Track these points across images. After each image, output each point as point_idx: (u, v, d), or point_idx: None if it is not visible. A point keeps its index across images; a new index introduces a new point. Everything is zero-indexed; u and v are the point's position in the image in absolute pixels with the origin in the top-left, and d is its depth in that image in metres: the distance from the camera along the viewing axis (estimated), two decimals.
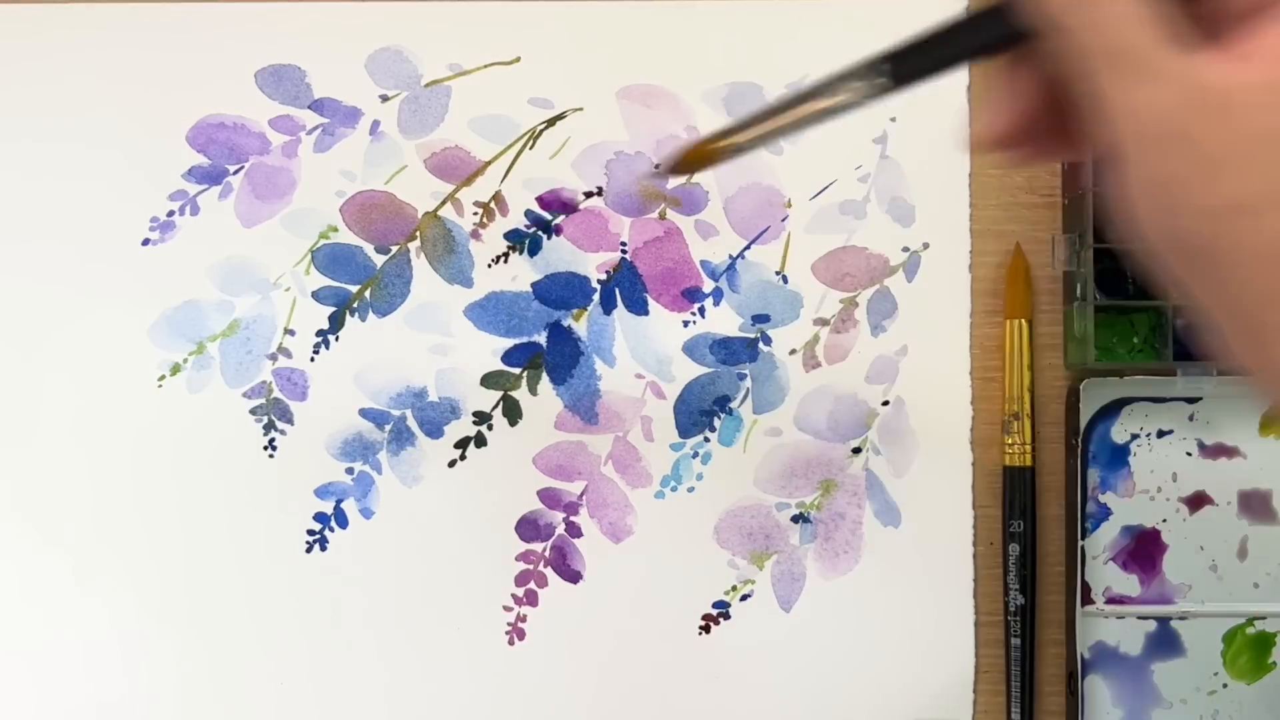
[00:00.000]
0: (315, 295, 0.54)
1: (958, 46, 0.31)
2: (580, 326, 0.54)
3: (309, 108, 0.54)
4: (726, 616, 0.53)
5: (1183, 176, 0.26)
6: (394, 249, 0.54)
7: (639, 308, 0.54)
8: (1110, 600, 0.53)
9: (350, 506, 0.53)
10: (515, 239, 0.54)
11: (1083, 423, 0.52)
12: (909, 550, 0.53)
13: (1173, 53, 0.26)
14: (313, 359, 0.54)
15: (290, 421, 0.53)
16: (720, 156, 0.36)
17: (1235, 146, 0.25)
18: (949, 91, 0.54)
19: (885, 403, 0.53)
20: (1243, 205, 0.25)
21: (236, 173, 0.54)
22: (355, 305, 0.54)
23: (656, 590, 0.53)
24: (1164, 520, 0.53)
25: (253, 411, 0.53)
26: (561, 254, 0.54)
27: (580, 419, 0.53)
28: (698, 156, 0.37)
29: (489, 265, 0.54)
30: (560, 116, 0.54)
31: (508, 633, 0.53)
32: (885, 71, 0.32)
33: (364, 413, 0.53)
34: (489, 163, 0.54)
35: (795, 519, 0.53)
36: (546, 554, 0.53)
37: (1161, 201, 0.26)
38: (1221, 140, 0.25)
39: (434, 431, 0.53)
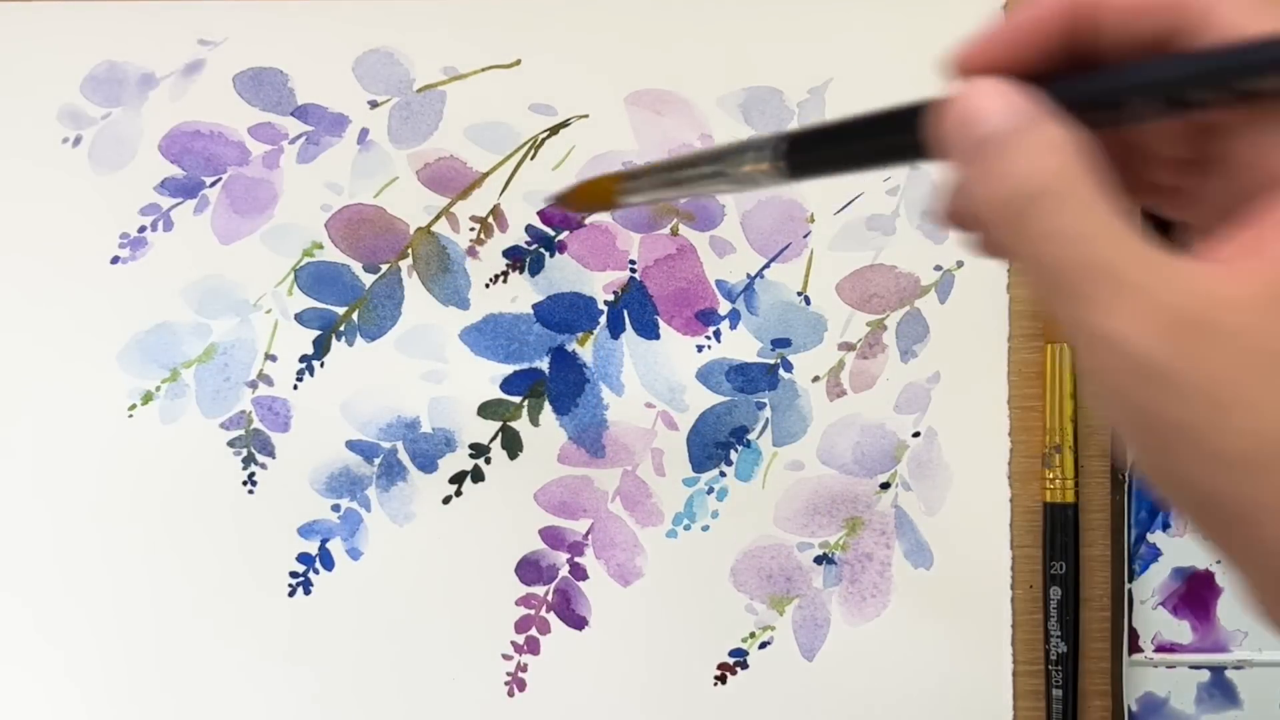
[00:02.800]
0: (298, 318, 0.52)
1: (864, 149, 0.28)
2: (585, 352, 0.52)
3: (292, 115, 0.52)
4: (744, 666, 0.51)
5: (1182, 422, 0.22)
6: (384, 268, 0.52)
7: (649, 331, 0.51)
8: (1160, 648, 0.51)
9: (336, 546, 0.51)
10: (515, 257, 0.52)
11: (1130, 456, 0.50)
12: (942, 594, 0.51)
13: (1150, 264, 0.22)
14: (296, 387, 0.51)
15: (271, 454, 0.51)
16: (614, 200, 0.35)
17: (1239, 380, 0.21)
18: None
19: (916, 434, 0.51)
20: (1259, 454, 0.21)
21: (213, 185, 0.52)
22: (342, 328, 0.52)
23: (668, 637, 0.51)
24: (1218, 561, 0.51)
25: (231, 444, 0.51)
26: (565, 273, 0.52)
27: (585, 452, 0.51)
28: (592, 194, 0.37)
29: (487, 285, 0.52)
30: (564, 124, 0.52)
31: (507, 683, 0.51)
32: (783, 154, 0.29)
33: (351, 445, 0.51)
34: (487, 174, 0.52)
35: (818, 560, 0.51)
36: (549, 598, 0.51)
37: (1161, 449, 0.22)
38: (1220, 373, 0.21)
39: (427, 465, 0.51)
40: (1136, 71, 0.24)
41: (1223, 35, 0.23)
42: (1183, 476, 0.22)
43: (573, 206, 0.38)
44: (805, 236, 0.52)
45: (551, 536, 0.51)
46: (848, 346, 0.51)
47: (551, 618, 0.51)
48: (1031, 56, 0.24)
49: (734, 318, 0.51)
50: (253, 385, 0.51)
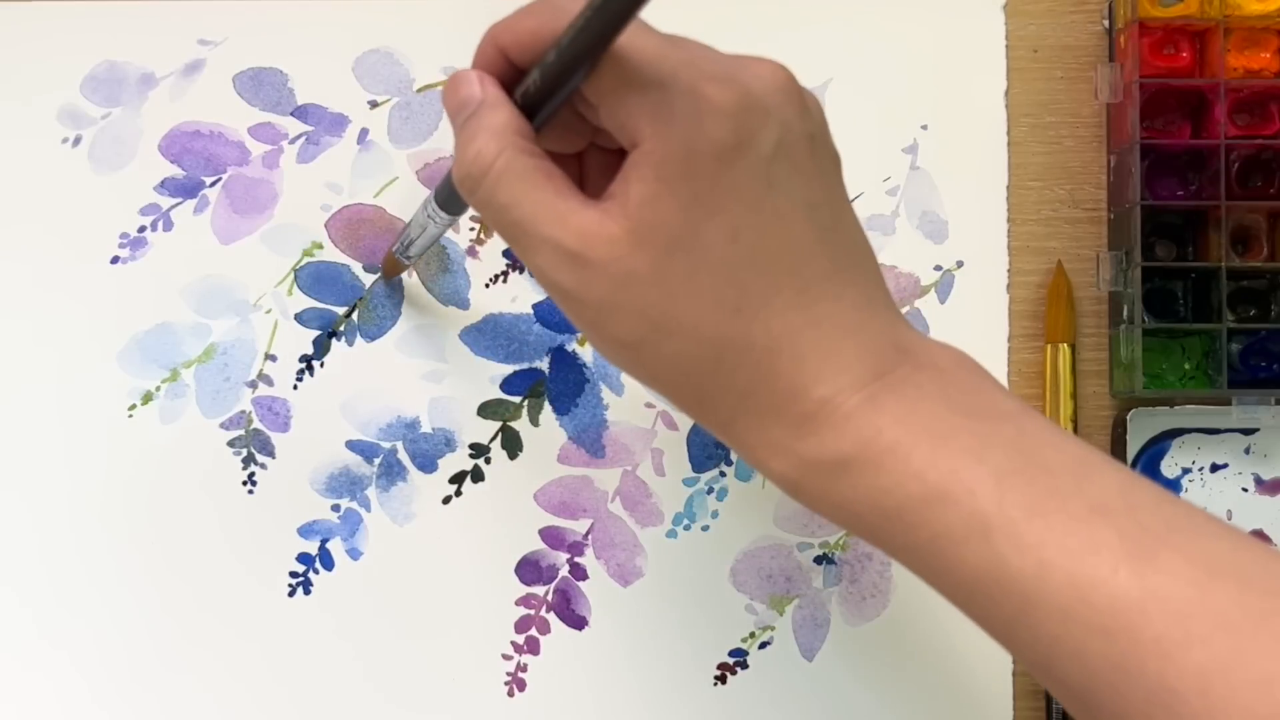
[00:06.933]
0: (298, 318, 0.51)
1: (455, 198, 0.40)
2: (585, 351, 0.52)
3: (291, 115, 0.52)
4: (744, 666, 0.51)
5: (588, 320, 0.33)
6: None
7: None
8: None
9: (336, 546, 0.51)
10: (515, 257, 0.52)
11: (1130, 456, 0.50)
12: None
13: (556, 216, 0.32)
14: (295, 387, 0.51)
15: (271, 454, 0.51)
16: (402, 266, 0.49)
17: (607, 296, 0.31)
18: (983, 97, 0.52)
19: None
20: (626, 343, 0.32)
21: (213, 185, 0.52)
22: (341, 328, 0.51)
23: (668, 637, 0.51)
24: None
25: (231, 444, 0.51)
26: None
27: (585, 452, 0.51)
28: (390, 265, 0.49)
29: (486, 285, 0.52)
30: None
31: (507, 683, 0.51)
32: (444, 204, 0.41)
33: (351, 445, 0.51)
34: None
35: (818, 560, 0.51)
36: (549, 598, 0.51)
37: (588, 332, 0.33)
38: (597, 293, 0.32)
39: (427, 465, 0.51)
40: (533, 70, 0.33)
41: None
42: (602, 350, 0.34)
43: (389, 276, 0.51)
44: None
45: (551, 536, 0.51)
46: None
47: (551, 618, 0.51)
48: (506, 73, 0.34)
49: None
50: (253, 385, 0.51)
